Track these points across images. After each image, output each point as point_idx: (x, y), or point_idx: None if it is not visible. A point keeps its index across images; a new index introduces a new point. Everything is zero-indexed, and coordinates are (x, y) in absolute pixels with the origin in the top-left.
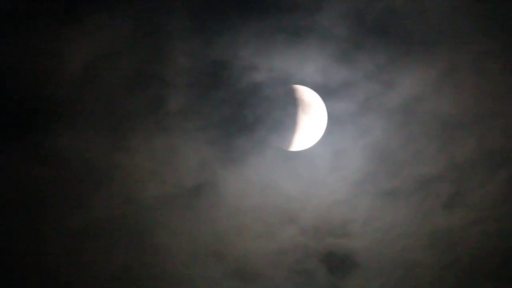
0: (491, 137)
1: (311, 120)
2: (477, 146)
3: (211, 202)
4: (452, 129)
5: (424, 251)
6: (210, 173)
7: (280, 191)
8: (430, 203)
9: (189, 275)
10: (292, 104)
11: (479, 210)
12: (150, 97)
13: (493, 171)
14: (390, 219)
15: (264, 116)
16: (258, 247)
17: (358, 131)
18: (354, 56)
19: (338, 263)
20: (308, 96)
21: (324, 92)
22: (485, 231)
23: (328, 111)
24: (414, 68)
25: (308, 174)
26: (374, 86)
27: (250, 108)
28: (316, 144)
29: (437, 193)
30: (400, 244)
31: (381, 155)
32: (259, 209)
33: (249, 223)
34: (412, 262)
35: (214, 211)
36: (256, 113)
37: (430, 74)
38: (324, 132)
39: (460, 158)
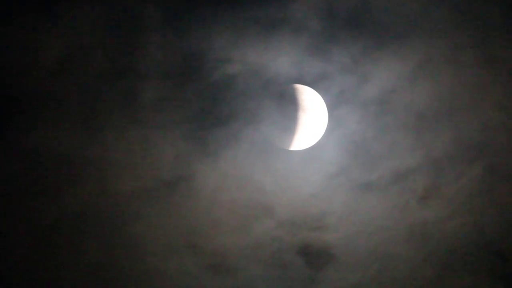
0: (467, 130)
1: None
2: (453, 138)
3: (186, 195)
4: (428, 122)
5: (401, 244)
6: (185, 167)
7: (255, 184)
8: (406, 196)
9: (165, 268)
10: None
11: (455, 203)
12: (124, 90)
13: (469, 164)
14: (366, 212)
15: (239, 110)
16: (234, 240)
17: (333, 124)
18: (328, 48)
19: (315, 257)
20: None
21: (299, 84)
22: (461, 224)
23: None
24: (389, 60)
25: (283, 167)
26: (349, 78)
27: (224, 101)
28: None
29: (413, 186)
30: (377, 237)
31: (356, 148)
32: (235, 202)
33: (225, 216)
34: (389, 255)
35: (189, 204)
36: (231, 106)
37: (406, 66)
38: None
39: (436, 150)
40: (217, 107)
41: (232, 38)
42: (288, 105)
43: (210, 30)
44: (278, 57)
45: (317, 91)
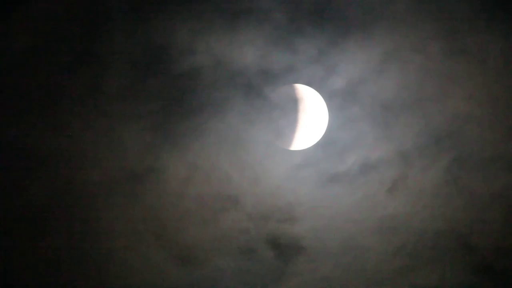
0: (435, 120)
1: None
2: (421, 129)
3: (154, 187)
4: (396, 112)
5: (370, 236)
6: (153, 158)
7: (223, 176)
8: (374, 188)
9: (132, 260)
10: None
11: (423, 194)
12: (90, 81)
13: (437, 155)
14: (334, 204)
15: (205, 101)
16: (202, 232)
17: (296, 114)
18: (294, 40)
19: (284, 249)
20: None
21: (265, 76)
22: (429, 215)
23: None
24: (356, 51)
25: (250, 158)
26: (316, 70)
27: (191, 93)
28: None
29: (381, 178)
30: (346, 229)
31: (323, 140)
32: (203, 194)
33: (193, 208)
34: (359, 247)
35: (157, 196)
36: (198, 98)
37: (372, 56)
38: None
39: (404, 141)
40: (184, 98)
41: (198, 29)
42: (254, 97)
43: (175, 21)
44: (244, 48)
45: (283, 83)
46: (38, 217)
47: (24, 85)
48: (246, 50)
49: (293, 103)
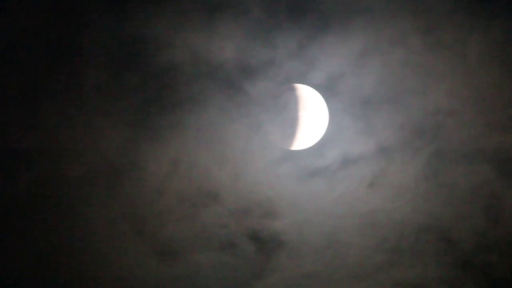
0: (416, 115)
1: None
2: (401, 124)
3: (134, 182)
4: (376, 107)
5: (352, 231)
6: (133, 154)
7: (203, 171)
8: (355, 183)
9: (112, 255)
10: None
11: (403, 189)
12: (68, 76)
13: (417, 149)
14: (315, 199)
15: (185, 96)
16: (183, 228)
17: (278, 110)
18: (273, 35)
19: (265, 244)
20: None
21: (244, 71)
22: (410, 210)
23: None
24: (335, 45)
25: (231, 154)
26: (296, 64)
27: (170, 87)
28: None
29: (361, 173)
30: (327, 225)
31: (304, 134)
32: (183, 189)
33: (173, 203)
34: (341, 243)
35: (137, 191)
36: (177, 93)
37: (352, 50)
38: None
39: (385, 136)
40: (163, 93)
41: (176, 24)
42: (233, 92)
43: (154, 16)
44: (223, 43)
45: (263, 77)
46: (18, 212)
47: (3, 80)
48: (225, 45)
49: (273, 98)
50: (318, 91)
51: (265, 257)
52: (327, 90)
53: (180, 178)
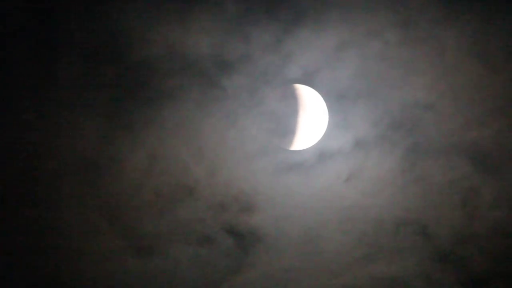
0: (393, 109)
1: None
2: (379, 117)
3: (110, 177)
4: (353, 101)
5: (330, 226)
6: (108, 148)
7: (180, 166)
8: (331, 178)
9: (89, 250)
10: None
11: (380, 184)
12: (44, 70)
13: (394, 143)
14: (292, 194)
15: (162, 90)
16: (160, 223)
17: (254, 104)
18: (250, 29)
19: (243, 239)
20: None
21: (220, 66)
22: (388, 205)
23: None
24: (312, 39)
25: (208, 149)
26: (272, 58)
27: (147, 82)
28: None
29: (339, 167)
30: (305, 220)
31: (280, 129)
32: (160, 184)
33: (151, 198)
34: (319, 238)
35: (113, 186)
36: (154, 87)
37: (329, 44)
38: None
39: (361, 130)
40: (139, 88)
41: (152, 18)
42: (209, 86)
43: (129, 10)
44: (198, 37)
45: (239, 72)
46: None
47: None
48: (201, 40)
49: (249, 92)
50: (294, 85)
51: (243, 252)
52: (303, 84)
53: (157, 173)
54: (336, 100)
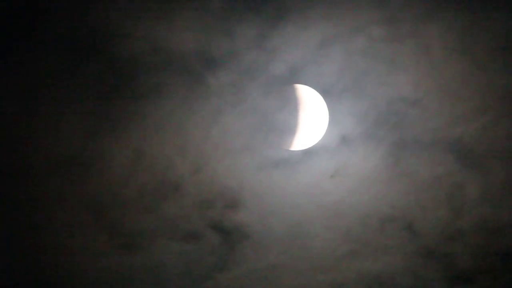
0: (378, 105)
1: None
2: (364, 113)
3: (95, 174)
4: (338, 97)
5: (316, 222)
6: (93, 145)
7: (165, 163)
8: (317, 174)
9: (73, 247)
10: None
11: (366, 180)
12: (27, 65)
13: (380, 140)
14: (278, 191)
15: (146, 87)
16: (145, 219)
17: (239, 100)
18: (234, 24)
19: (229, 236)
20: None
21: (205, 62)
22: (373, 201)
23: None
24: (297, 34)
25: (193, 145)
26: (257, 54)
27: (131, 78)
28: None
29: (324, 163)
30: (291, 216)
31: (264, 125)
32: (145, 181)
33: (136, 195)
34: (305, 234)
35: (98, 183)
36: (139, 83)
37: (314, 40)
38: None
39: (347, 126)
40: (124, 83)
41: (136, 14)
42: (194, 83)
43: (114, 5)
44: (183, 33)
45: (224, 68)
46: None
47: None
48: (185, 36)
49: (234, 88)
50: (279, 81)
51: (229, 249)
52: (287, 80)
53: (142, 170)
54: (321, 94)
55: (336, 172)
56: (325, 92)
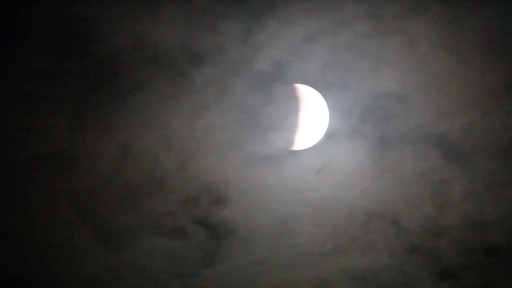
0: (363, 101)
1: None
2: (349, 109)
3: (80, 170)
4: (323, 92)
5: (302, 218)
6: (77, 141)
7: (150, 159)
8: (302, 170)
9: (58, 244)
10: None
11: (351, 176)
12: (9, 61)
13: (365, 135)
14: (263, 187)
15: (131, 83)
16: (130, 216)
17: (224, 96)
18: (219, 19)
19: (214, 232)
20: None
21: (190, 58)
22: (359, 197)
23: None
24: (281, 29)
25: (178, 141)
26: (242, 49)
27: (115, 74)
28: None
29: (309, 160)
30: (277, 212)
31: (249, 121)
32: (130, 177)
33: (122, 192)
34: (291, 230)
35: (83, 180)
36: (123, 80)
37: (299, 35)
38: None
39: (332, 121)
40: (108, 79)
41: (120, 10)
42: (179, 78)
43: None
44: (168, 29)
45: (209, 63)
46: None
47: None
48: (170, 31)
49: (219, 84)
50: (263, 77)
51: (215, 245)
52: (272, 76)
53: (127, 166)
54: (306, 90)
55: (322, 168)
56: (312, 86)
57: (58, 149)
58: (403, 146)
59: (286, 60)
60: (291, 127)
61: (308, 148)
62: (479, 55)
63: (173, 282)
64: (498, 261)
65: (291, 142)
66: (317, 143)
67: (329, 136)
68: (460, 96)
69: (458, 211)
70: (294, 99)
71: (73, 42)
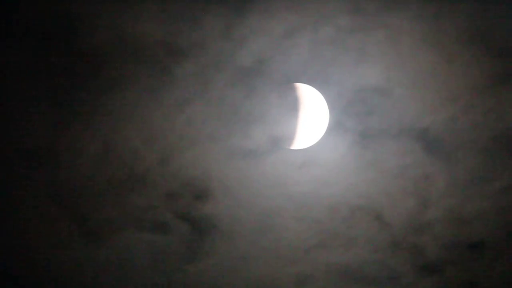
0: (346, 94)
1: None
2: (331, 103)
3: (63, 166)
4: (306, 87)
5: (285, 213)
6: (61, 137)
7: (132, 154)
8: (284, 165)
9: (39, 238)
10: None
11: (334, 170)
12: None
13: (347, 129)
14: (246, 182)
15: (112, 78)
16: (113, 211)
17: (205, 90)
18: (200, 14)
19: (197, 227)
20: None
21: (172, 52)
22: (342, 191)
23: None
24: (263, 23)
25: (160, 137)
26: (223, 44)
27: (96, 69)
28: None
29: (291, 154)
30: (260, 207)
31: (231, 116)
32: (112, 173)
33: (103, 187)
34: (274, 225)
35: (64, 175)
36: (104, 75)
37: (281, 29)
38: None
39: (314, 117)
40: (89, 75)
41: (101, 4)
42: (161, 73)
43: None
44: (148, 24)
45: (189, 58)
46: None
47: None
48: (151, 25)
49: (200, 79)
50: (245, 71)
51: (198, 240)
52: (254, 71)
53: (109, 161)
54: (288, 86)
55: (304, 163)
56: (291, 82)
57: (40, 145)
58: (386, 140)
59: (267, 55)
60: (273, 122)
61: (291, 142)
62: (462, 50)
63: (156, 276)
64: (481, 255)
65: (273, 136)
66: (300, 137)
67: (312, 130)
68: (443, 91)
69: (441, 206)
70: (276, 94)
71: (53, 37)
